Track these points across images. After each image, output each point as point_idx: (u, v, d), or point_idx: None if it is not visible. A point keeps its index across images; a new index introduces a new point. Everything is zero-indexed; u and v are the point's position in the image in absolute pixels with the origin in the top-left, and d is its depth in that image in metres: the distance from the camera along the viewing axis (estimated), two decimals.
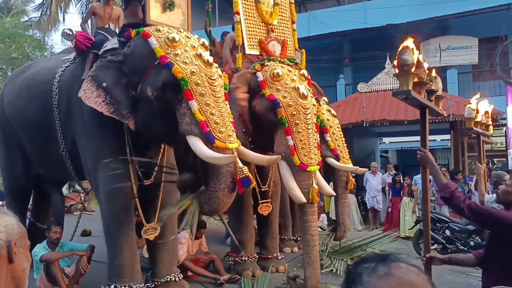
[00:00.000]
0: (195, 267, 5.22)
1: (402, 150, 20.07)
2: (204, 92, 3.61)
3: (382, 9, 12.76)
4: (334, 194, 5.84)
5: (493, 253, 2.50)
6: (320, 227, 9.23)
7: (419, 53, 2.66)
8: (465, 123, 4.02)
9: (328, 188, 5.21)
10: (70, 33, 4.42)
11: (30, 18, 20.66)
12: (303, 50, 7.32)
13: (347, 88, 14.49)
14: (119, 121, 3.99)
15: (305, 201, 4.57)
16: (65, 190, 8.30)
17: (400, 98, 2.29)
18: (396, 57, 2.24)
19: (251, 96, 5.01)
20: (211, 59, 3.80)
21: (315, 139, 4.83)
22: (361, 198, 11.22)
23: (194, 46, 3.81)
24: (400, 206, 9.38)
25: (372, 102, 11.76)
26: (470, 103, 3.94)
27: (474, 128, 3.97)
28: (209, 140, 3.54)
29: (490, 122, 4.55)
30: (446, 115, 3.07)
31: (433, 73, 2.80)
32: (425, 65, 2.46)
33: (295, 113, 4.68)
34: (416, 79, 2.34)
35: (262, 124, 4.96)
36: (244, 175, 3.56)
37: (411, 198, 9.27)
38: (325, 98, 6.97)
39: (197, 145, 3.53)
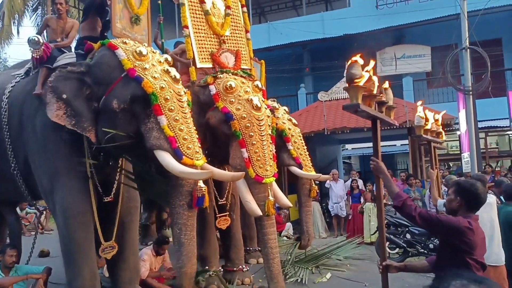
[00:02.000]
0: (158, 284, 5.11)
1: (363, 156, 20.53)
2: (173, 108, 3.60)
3: (339, 19, 13.10)
4: (291, 205, 5.84)
5: (444, 259, 2.58)
6: (286, 236, 9.29)
7: (374, 63, 2.76)
8: (415, 131, 4.16)
9: (285, 199, 5.19)
10: (39, 41, 4.20)
11: None
12: (263, 61, 7.36)
13: (308, 97, 14.73)
14: (77, 135, 3.87)
15: (261, 214, 4.52)
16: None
17: (350, 111, 2.35)
18: (345, 71, 2.30)
19: (202, 110, 4.93)
20: (178, 76, 3.80)
21: (270, 151, 4.80)
22: (325, 206, 11.36)
23: (160, 61, 3.79)
24: (364, 211, 9.52)
25: (333, 110, 11.98)
26: (419, 112, 4.08)
27: (424, 135, 4.11)
28: (177, 156, 3.52)
29: (441, 130, 4.72)
30: (397, 125, 3.18)
31: (385, 85, 2.89)
32: (375, 79, 2.52)
33: (249, 125, 4.64)
34: (365, 92, 2.40)
35: (217, 137, 4.91)
36: (201, 194, 3.56)
37: (375, 204, 9.42)
38: (286, 108, 7.04)
39: (168, 160, 3.50)
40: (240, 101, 4.72)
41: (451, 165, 14.67)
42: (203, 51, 5.21)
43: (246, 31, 5.81)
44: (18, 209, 8.38)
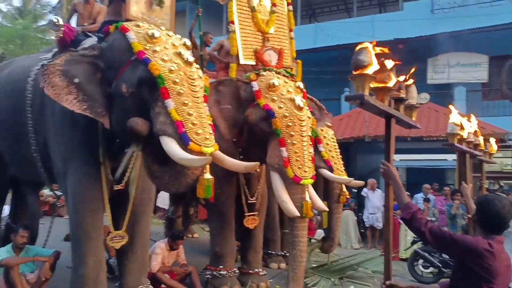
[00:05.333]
0: (169, 279, 4.98)
1: (409, 169, 19.62)
2: (182, 92, 3.41)
3: (390, 22, 12.51)
4: (326, 209, 5.67)
5: (458, 284, 2.21)
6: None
7: (395, 64, 2.43)
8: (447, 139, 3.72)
9: (320, 203, 5.04)
10: (58, 23, 4.19)
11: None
12: (299, 61, 7.15)
13: None
14: (92, 120, 3.80)
15: (298, 214, 4.42)
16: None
17: (356, 104, 2.05)
18: (352, 57, 2.02)
19: (240, 106, 4.91)
20: (191, 58, 3.60)
21: (310, 152, 4.71)
22: (361, 216, 10.91)
23: (174, 45, 3.61)
24: (401, 225, 9.00)
25: (376, 117, 11.35)
26: (453, 119, 3.64)
27: (457, 145, 3.66)
28: (183, 142, 3.30)
29: (483, 141, 4.25)
30: (419, 127, 2.80)
31: (409, 81, 2.55)
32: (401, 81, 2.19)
33: (290, 124, 4.58)
34: (379, 84, 2.09)
35: (254, 135, 4.84)
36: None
37: None
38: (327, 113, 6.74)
39: (170, 146, 3.29)
40: (283, 100, 4.68)
41: (502, 184, 13.62)
42: (247, 48, 5.23)
43: (290, 30, 5.77)
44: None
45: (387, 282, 2.42)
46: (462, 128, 3.74)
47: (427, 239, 2.15)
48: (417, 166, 18.43)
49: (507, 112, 11.83)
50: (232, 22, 5.14)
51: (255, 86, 4.80)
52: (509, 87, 9.75)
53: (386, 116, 2.33)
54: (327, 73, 13.32)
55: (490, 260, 2.06)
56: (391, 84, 2.17)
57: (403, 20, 12.25)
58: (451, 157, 17.04)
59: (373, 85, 2.04)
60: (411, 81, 2.56)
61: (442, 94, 12.92)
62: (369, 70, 1.96)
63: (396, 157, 17.88)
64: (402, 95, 2.39)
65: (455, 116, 3.71)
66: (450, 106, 3.92)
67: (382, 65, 2.11)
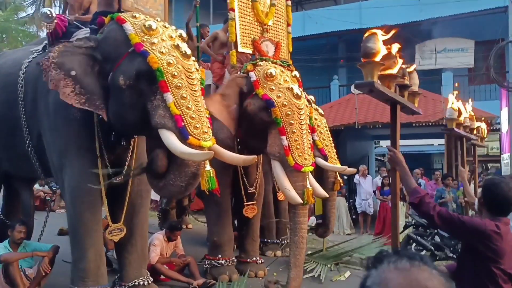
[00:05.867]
0: (168, 270, 4.99)
1: None
2: (180, 85, 3.39)
3: (377, 9, 12.54)
4: (327, 195, 5.73)
5: (466, 265, 2.26)
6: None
7: (400, 45, 2.44)
8: (446, 124, 3.78)
9: (320, 189, 5.07)
10: (51, 15, 4.10)
11: (28, 14, 20.48)
12: None
13: (341, 89, 14.27)
14: (88, 113, 3.75)
15: (301, 202, 4.46)
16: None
17: (365, 92, 2.07)
18: (361, 45, 2.03)
19: (243, 98, 4.88)
20: (188, 51, 3.58)
21: (309, 140, 4.75)
22: (352, 202, 11.04)
23: (171, 36, 3.57)
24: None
25: (366, 104, 11.55)
26: (453, 103, 3.69)
27: (456, 129, 3.72)
28: (183, 136, 3.31)
29: (476, 126, 4.32)
30: (421, 113, 2.84)
31: (411, 68, 2.57)
32: (400, 61, 2.21)
33: (290, 113, 4.57)
34: (385, 72, 2.11)
35: (253, 125, 4.82)
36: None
37: (404, 203, 9.02)
38: (312, 97, 6.78)
39: (171, 139, 3.31)
40: (281, 89, 4.67)
41: (489, 166, 13.88)
42: (246, 36, 5.22)
43: (288, 25, 5.79)
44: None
45: None
46: (460, 113, 3.79)
47: (436, 222, 2.19)
48: (404, 152, 18.73)
49: (493, 97, 12.02)
50: (232, 10, 5.11)
51: (253, 76, 4.78)
52: (496, 72, 9.88)
53: (392, 102, 2.35)
54: (316, 61, 13.34)
55: (498, 241, 2.12)
56: (395, 70, 2.18)
57: (390, 7, 12.28)
58: (437, 142, 17.36)
59: (380, 72, 2.05)
60: (413, 67, 2.59)
61: (430, 80, 13.04)
62: (378, 57, 1.97)
63: (384, 143, 18.05)
64: (406, 81, 2.41)
65: (453, 102, 3.75)
66: (450, 94, 3.97)
67: (389, 52, 2.12)
